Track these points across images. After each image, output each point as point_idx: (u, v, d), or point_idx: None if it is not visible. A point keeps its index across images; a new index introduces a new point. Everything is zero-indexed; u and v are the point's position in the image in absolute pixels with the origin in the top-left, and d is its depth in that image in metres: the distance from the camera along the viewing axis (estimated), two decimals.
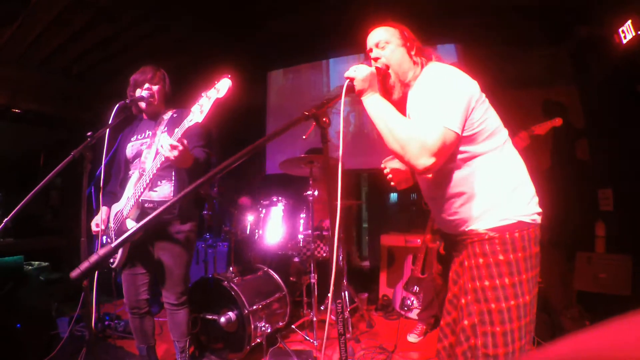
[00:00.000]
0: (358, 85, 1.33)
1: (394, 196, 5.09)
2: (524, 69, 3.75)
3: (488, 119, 1.33)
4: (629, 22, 2.86)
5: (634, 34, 2.84)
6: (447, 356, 1.47)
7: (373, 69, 1.38)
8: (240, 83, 1.79)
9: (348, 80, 1.34)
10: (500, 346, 1.24)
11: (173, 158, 1.79)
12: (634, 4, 2.86)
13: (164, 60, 2.37)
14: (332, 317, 3.40)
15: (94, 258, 0.89)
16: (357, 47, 4.84)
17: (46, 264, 4.09)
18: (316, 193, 3.00)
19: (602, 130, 3.50)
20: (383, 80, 1.45)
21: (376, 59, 1.46)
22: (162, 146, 1.79)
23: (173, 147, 1.77)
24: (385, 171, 1.61)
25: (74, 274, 0.91)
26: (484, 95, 1.36)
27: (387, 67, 1.45)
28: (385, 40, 1.46)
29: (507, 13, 3.65)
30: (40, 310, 3.07)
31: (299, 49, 5.02)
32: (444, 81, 1.32)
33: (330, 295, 1.13)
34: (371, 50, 1.49)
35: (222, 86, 1.67)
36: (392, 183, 1.64)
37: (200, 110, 1.71)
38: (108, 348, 2.93)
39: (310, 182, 2.97)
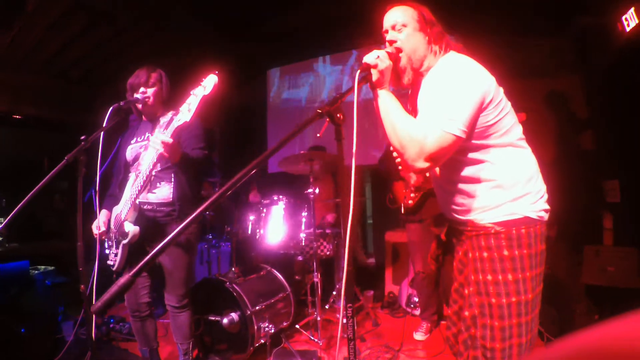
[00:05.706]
0: (376, 75, 1.26)
1: None
2: (526, 59, 3.69)
3: (504, 117, 1.28)
4: (632, 10, 2.81)
5: (637, 21, 2.78)
6: (456, 343, 1.49)
7: (390, 63, 1.28)
8: (241, 81, 1.79)
9: (362, 68, 1.24)
10: (498, 340, 1.25)
11: (164, 152, 1.82)
12: None
13: (163, 60, 2.37)
14: (338, 315, 3.41)
15: (114, 289, 0.85)
16: (356, 44, 4.81)
17: (52, 267, 4.11)
18: (317, 191, 2.97)
19: (607, 120, 3.44)
20: (394, 64, 1.35)
21: (391, 42, 1.37)
22: (153, 140, 1.83)
23: (164, 143, 1.79)
24: (395, 154, 1.58)
25: (95, 308, 0.85)
26: (501, 90, 1.31)
27: (399, 50, 1.35)
28: (402, 23, 1.36)
29: (508, 2, 3.59)
30: (46, 314, 3.08)
31: (298, 47, 4.99)
32: (455, 77, 1.25)
33: (342, 300, 1.12)
34: (387, 31, 1.39)
35: (209, 83, 1.67)
36: (399, 167, 1.62)
37: (188, 109, 1.71)
38: (112, 350, 2.93)
39: (311, 180, 2.94)
